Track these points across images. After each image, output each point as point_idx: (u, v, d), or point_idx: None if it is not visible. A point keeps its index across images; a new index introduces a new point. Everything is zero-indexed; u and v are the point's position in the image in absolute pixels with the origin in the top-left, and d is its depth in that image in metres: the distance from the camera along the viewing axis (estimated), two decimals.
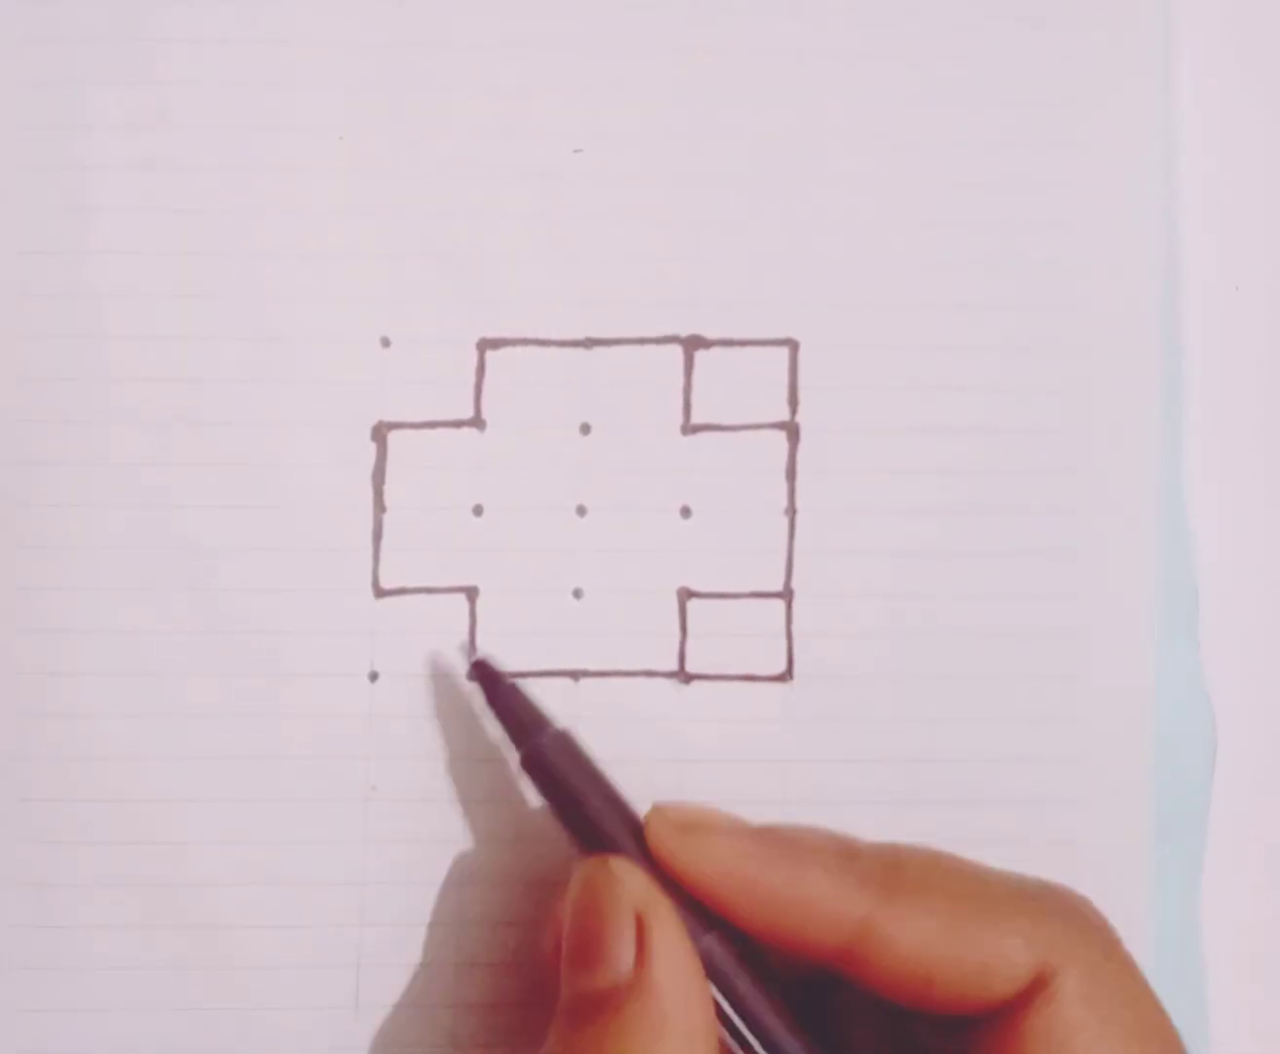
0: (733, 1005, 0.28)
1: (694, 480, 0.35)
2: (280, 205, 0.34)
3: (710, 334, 0.35)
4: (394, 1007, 0.34)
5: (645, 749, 0.34)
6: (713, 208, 0.35)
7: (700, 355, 0.35)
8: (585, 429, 0.35)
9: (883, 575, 0.35)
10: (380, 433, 0.34)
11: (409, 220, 0.35)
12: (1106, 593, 0.35)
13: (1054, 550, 0.35)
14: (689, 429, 0.35)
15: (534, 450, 0.35)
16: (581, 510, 0.35)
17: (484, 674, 0.33)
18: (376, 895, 0.34)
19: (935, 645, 0.35)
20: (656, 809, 0.29)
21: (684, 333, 0.35)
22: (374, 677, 0.34)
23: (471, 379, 0.35)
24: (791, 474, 0.35)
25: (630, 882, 0.28)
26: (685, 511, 0.35)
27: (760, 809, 0.30)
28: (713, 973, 0.28)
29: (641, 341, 0.35)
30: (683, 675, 0.35)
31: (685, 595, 0.35)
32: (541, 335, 0.35)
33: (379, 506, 0.34)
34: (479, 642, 0.34)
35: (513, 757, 0.32)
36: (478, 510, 0.35)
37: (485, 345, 0.35)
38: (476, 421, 0.35)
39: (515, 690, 0.32)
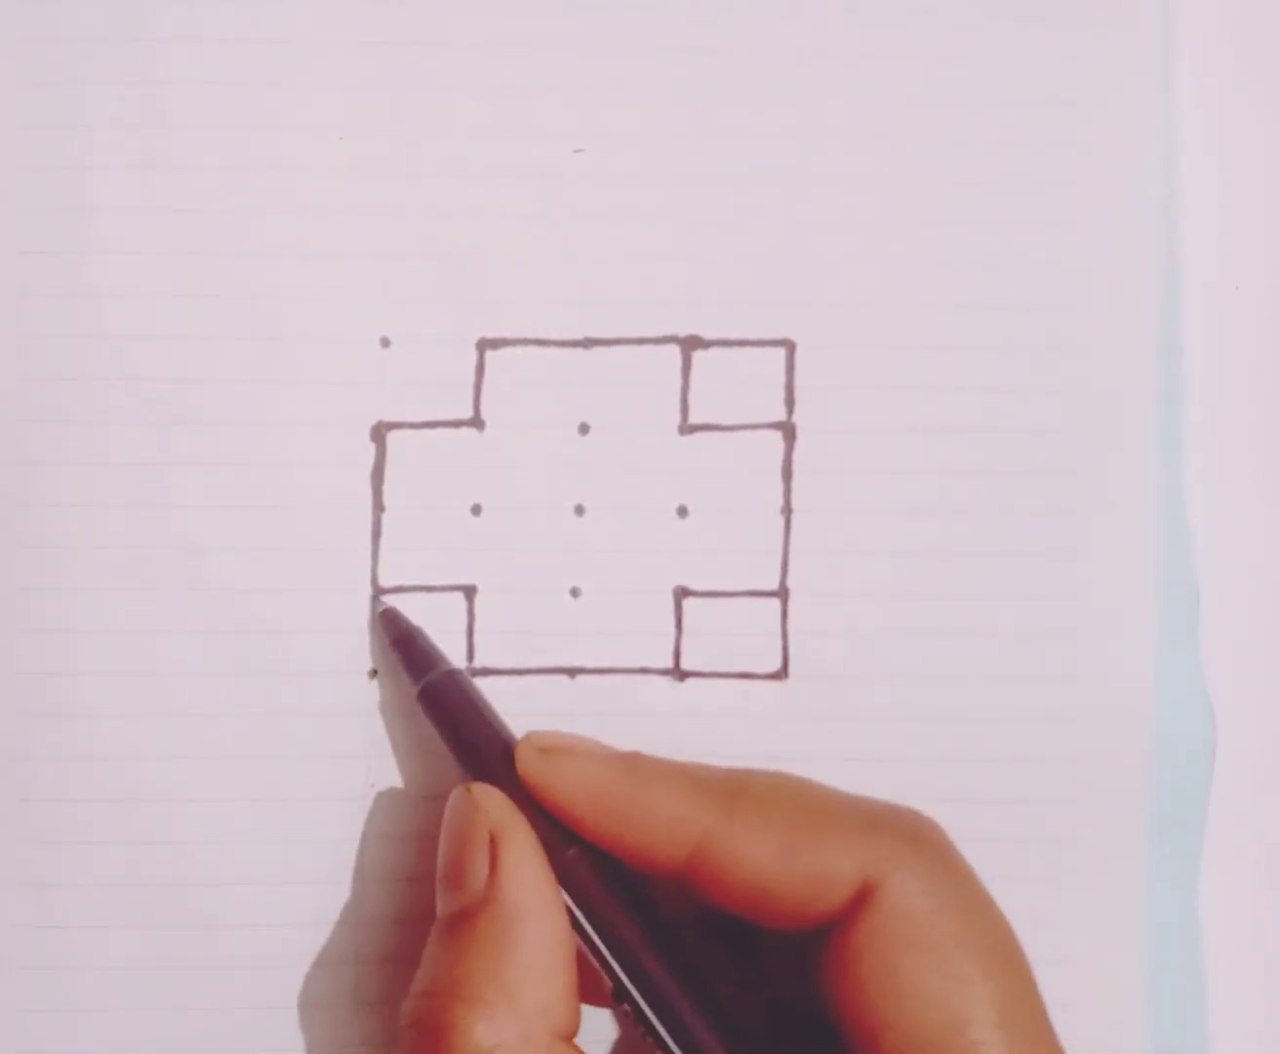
0: (591, 918, 0.29)
1: (691, 480, 0.35)
2: (280, 205, 0.34)
3: (708, 334, 0.35)
4: (394, 1004, 0.34)
5: (641, 746, 0.34)
6: (711, 208, 0.35)
7: (698, 355, 0.35)
8: (584, 429, 0.35)
9: (879, 575, 0.35)
10: (379, 433, 0.35)
11: (408, 220, 0.35)
12: (1106, 593, 0.35)
13: (1053, 550, 0.35)
14: (686, 429, 0.35)
15: (532, 450, 0.35)
16: (579, 510, 0.35)
17: (388, 620, 0.34)
18: (376, 893, 0.34)
19: (932, 645, 0.35)
20: (525, 736, 0.31)
21: (682, 333, 0.35)
22: (373, 675, 0.34)
23: (470, 379, 0.35)
24: (788, 474, 0.35)
25: (487, 804, 0.30)
26: (682, 511, 0.35)
27: None
28: (572, 887, 0.29)
29: (640, 342, 0.35)
30: (678, 673, 0.35)
31: (681, 594, 0.35)
32: (540, 335, 0.35)
33: (378, 506, 0.34)
34: (477, 639, 0.34)
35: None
36: (476, 510, 0.35)
37: (484, 345, 0.35)
38: (475, 421, 0.35)
39: (414, 635, 0.33)
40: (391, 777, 0.34)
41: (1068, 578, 0.35)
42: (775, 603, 0.35)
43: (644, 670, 0.35)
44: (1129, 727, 0.35)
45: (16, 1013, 0.34)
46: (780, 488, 0.35)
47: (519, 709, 0.34)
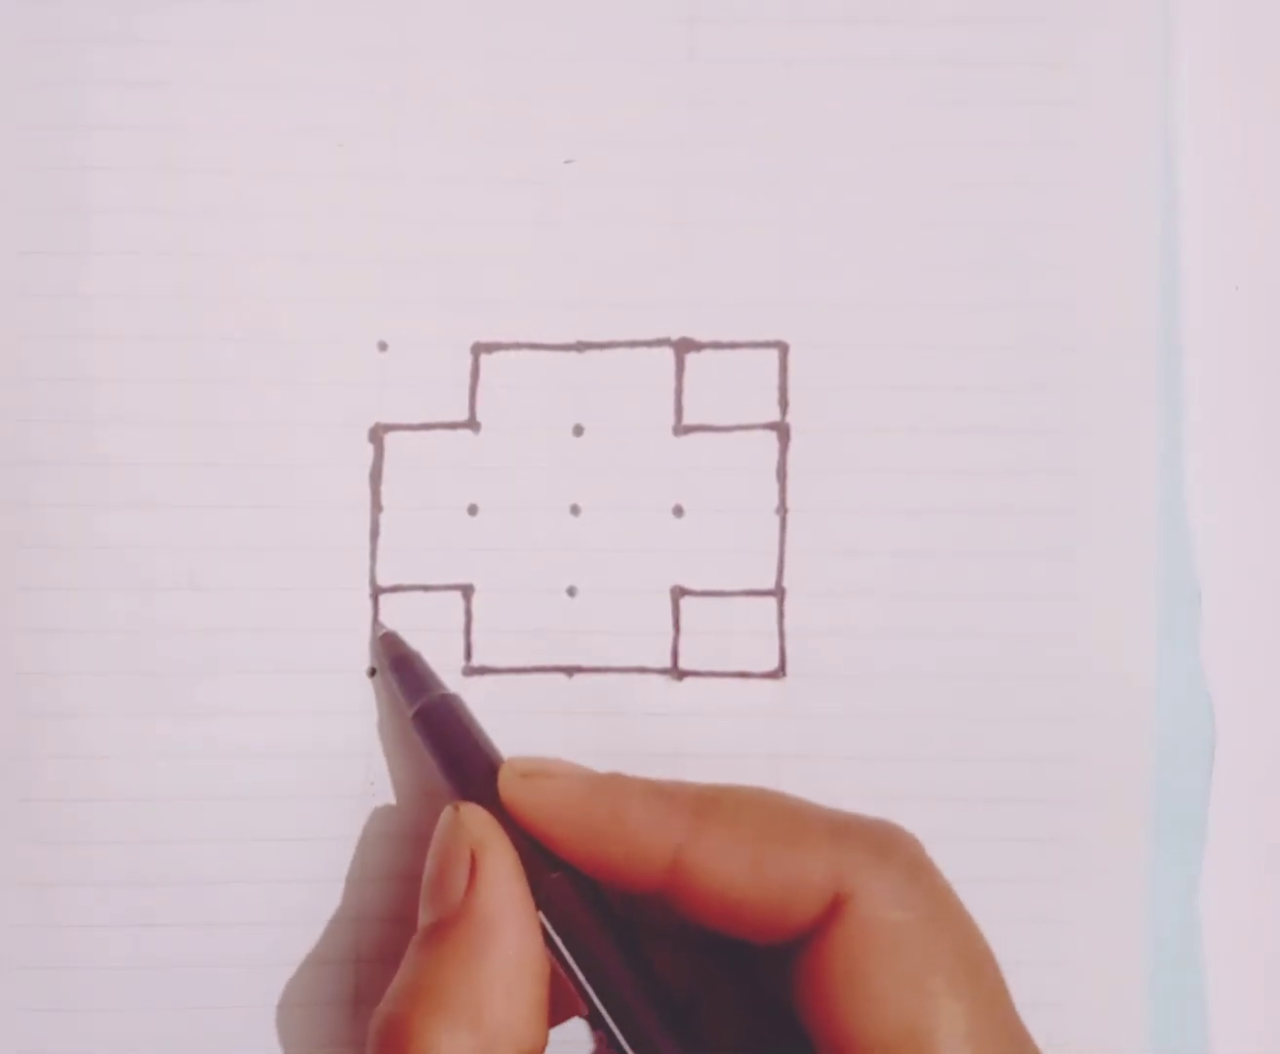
0: (569, 943, 0.29)
1: (686, 480, 0.35)
2: (279, 209, 0.35)
3: (701, 337, 0.35)
4: None
5: (638, 745, 0.34)
6: (703, 211, 0.35)
7: (691, 357, 0.35)
8: (578, 430, 0.35)
9: (876, 574, 0.35)
10: (377, 434, 0.35)
11: (406, 226, 0.35)
12: (1106, 593, 0.35)
13: (1053, 551, 0.35)
14: (681, 430, 0.35)
15: (528, 451, 0.35)
16: (575, 510, 0.35)
17: (387, 643, 0.34)
18: (375, 892, 0.34)
19: (931, 645, 0.35)
20: (508, 761, 0.31)
21: (675, 335, 0.35)
22: (372, 673, 0.34)
23: (466, 382, 0.35)
24: (782, 474, 0.35)
25: (471, 822, 0.30)
26: (678, 511, 0.35)
27: None
28: (553, 911, 0.29)
29: (633, 345, 0.35)
30: (676, 672, 0.35)
31: (678, 593, 0.35)
32: (535, 339, 0.35)
33: (376, 506, 0.35)
34: (474, 638, 0.35)
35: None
36: (473, 510, 0.35)
37: (480, 349, 0.35)
38: (471, 423, 0.35)
39: (411, 659, 0.34)
40: (391, 776, 0.34)
41: (1068, 578, 0.35)
42: (772, 602, 0.35)
43: (641, 669, 0.35)
44: (1129, 727, 0.35)
45: (16, 1013, 0.34)
46: (775, 488, 0.35)
47: (516, 708, 0.34)
